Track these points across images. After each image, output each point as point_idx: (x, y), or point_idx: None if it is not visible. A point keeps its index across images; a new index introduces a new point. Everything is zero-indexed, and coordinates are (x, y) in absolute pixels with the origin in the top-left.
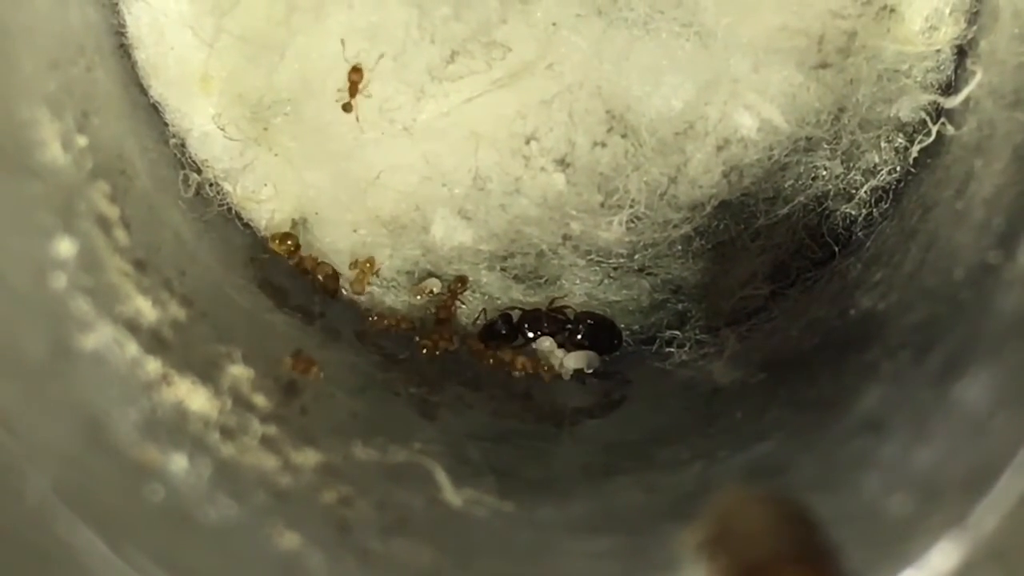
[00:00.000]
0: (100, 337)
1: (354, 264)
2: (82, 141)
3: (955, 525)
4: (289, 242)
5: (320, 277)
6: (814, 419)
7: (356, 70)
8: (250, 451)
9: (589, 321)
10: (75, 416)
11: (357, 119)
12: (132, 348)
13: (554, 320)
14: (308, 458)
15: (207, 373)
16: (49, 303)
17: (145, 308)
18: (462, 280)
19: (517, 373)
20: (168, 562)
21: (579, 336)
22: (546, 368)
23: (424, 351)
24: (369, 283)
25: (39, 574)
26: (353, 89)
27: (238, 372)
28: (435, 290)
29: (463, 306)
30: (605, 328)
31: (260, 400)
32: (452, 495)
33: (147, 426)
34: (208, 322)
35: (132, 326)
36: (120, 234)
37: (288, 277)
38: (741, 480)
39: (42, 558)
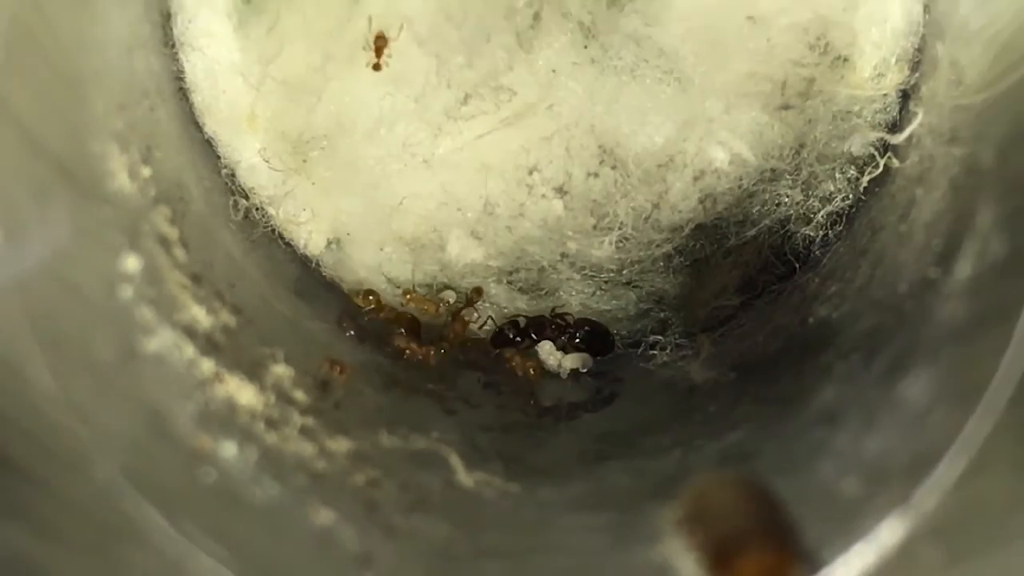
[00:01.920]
0: (161, 340)
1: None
2: (146, 172)
3: (900, 504)
4: (372, 297)
5: (402, 328)
6: (777, 412)
7: (380, 37)
8: (291, 439)
9: (586, 327)
10: (139, 409)
11: (379, 67)
12: (189, 350)
13: (556, 326)
14: (341, 445)
15: (254, 372)
16: (118, 311)
17: (200, 316)
18: (478, 291)
19: (528, 373)
20: (219, 535)
21: (577, 340)
22: (533, 370)
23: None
24: (466, 318)
25: (108, 544)
26: (378, 52)
27: (280, 371)
28: (451, 301)
29: (477, 315)
30: (600, 333)
31: (299, 395)
32: (465, 477)
33: (202, 417)
34: (254, 328)
35: (189, 331)
36: (179, 252)
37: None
38: (715, 465)
39: (111, 531)
